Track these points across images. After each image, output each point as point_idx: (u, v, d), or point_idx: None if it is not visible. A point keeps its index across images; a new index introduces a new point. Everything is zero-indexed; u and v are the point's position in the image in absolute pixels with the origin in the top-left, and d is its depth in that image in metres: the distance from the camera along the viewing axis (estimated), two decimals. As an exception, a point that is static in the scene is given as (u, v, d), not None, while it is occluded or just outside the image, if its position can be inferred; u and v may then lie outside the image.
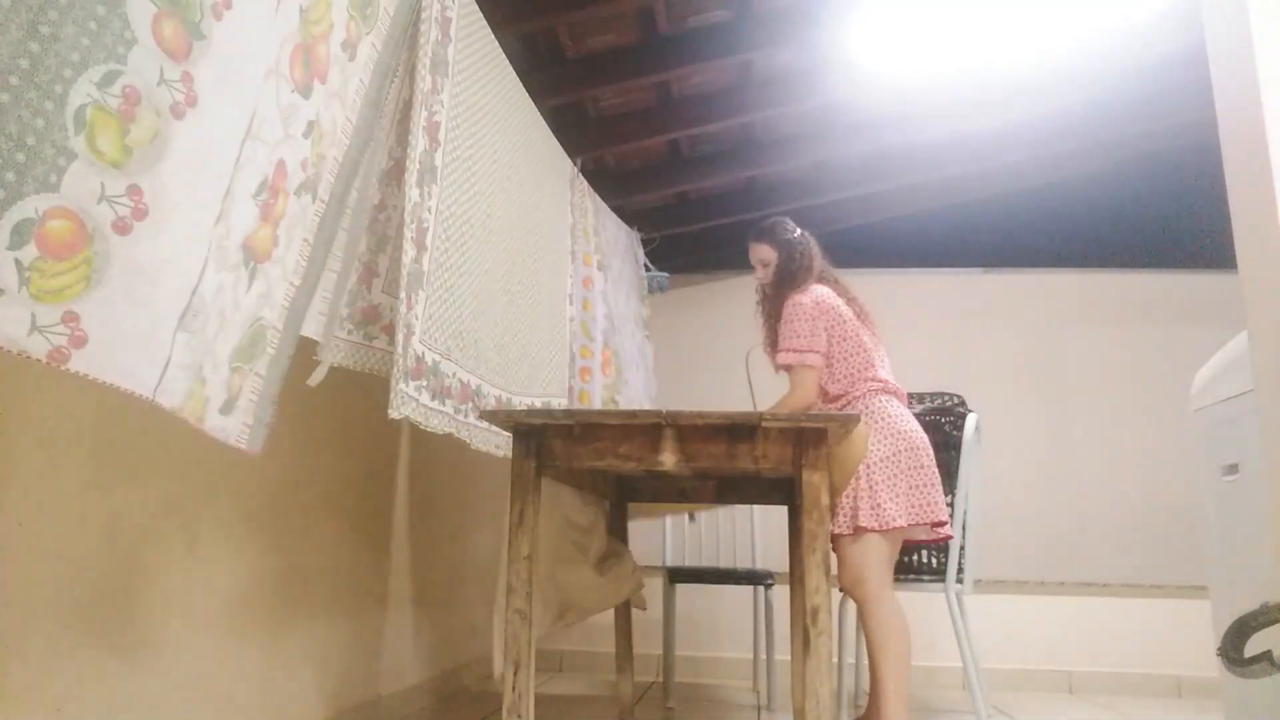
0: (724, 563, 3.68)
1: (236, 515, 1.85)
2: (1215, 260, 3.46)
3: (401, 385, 1.66)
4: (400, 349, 1.65)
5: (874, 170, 3.87)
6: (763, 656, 3.31)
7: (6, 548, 1.28)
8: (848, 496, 2.27)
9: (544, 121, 2.53)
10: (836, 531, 2.26)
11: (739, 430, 1.62)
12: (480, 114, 2.02)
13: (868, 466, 2.28)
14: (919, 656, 2.32)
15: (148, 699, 1.57)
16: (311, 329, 1.53)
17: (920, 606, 3.68)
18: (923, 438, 2.35)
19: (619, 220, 3.46)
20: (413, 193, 1.68)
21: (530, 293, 2.42)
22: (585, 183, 3.00)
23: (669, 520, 3.59)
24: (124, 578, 1.52)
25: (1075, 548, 3.78)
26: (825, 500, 1.58)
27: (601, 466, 1.68)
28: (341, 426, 2.27)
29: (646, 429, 1.65)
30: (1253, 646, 1.53)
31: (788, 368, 2.43)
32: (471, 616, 3.31)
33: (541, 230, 2.51)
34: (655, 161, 3.64)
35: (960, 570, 2.76)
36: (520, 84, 2.30)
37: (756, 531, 3.56)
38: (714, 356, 3.99)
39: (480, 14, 2.01)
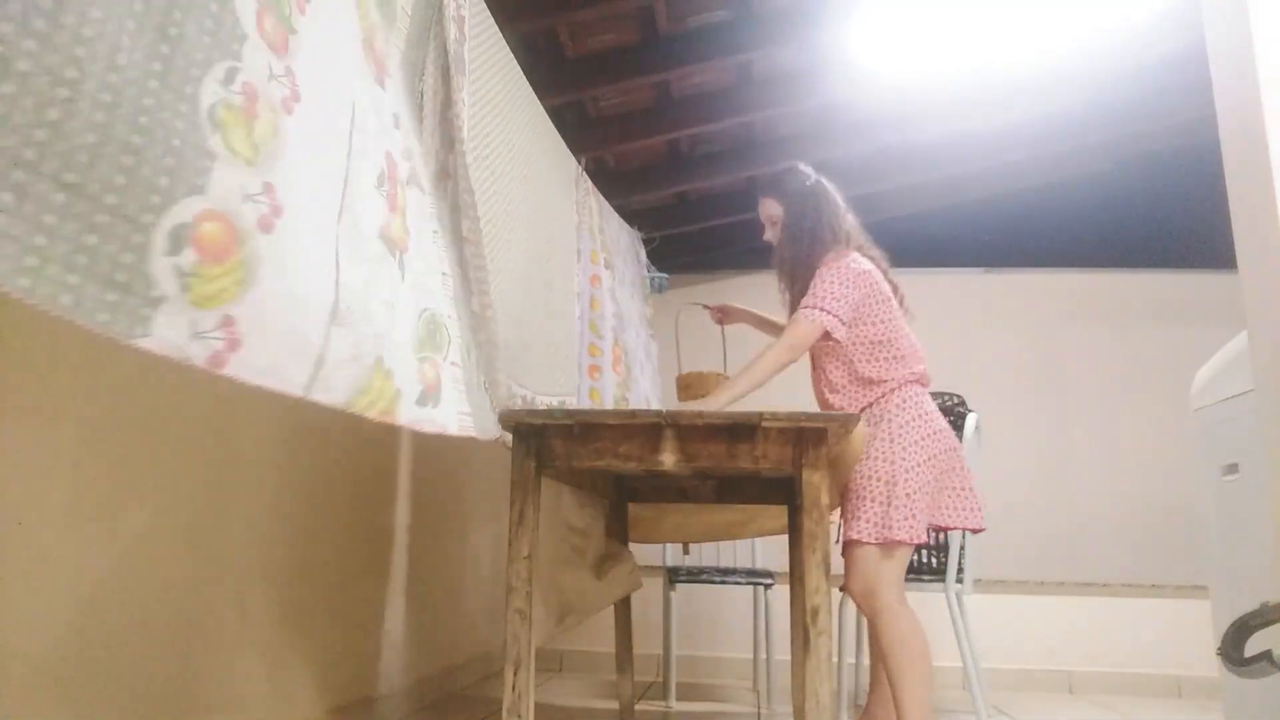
0: (724, 563, 3.68)
1: (237, 514, 1.85)
2: (1215, 260, 3.46)
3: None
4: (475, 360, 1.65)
5: (874, 170, 3.87)
6: (763, 656, 3.32)
7: (7, 547, 1.28)
8: (875, 501, 2.02)
9: (549, 121, 2.53)
10: (858, 538, 2.01)
11: (739, 430, 1.62)
12: (495, 113, 2.02)
13: (906, 470, 2.03)
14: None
15: (148, 699, 1.57)
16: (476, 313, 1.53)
17: (920, 606, 3.67)
18: (955, 438, 2.14)
19: (621, 220, 3.47)
20: (449, 190, 1.68)
21: (545, 291, 2.42)
22: (589, 181, 3.00)
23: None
24: (124, 577, 1.52)
25: (1075, 548, 3.78)
26: (825, 500, 1.58)
27: (601, 466, 1.68)
28: (342, 425, 2.27)
29: (646, 429, 1.65)
30: (1253, 646, 1.53)
31: (806, 318, 2.09)
32: (471, 615, 3.31)
33: (552, 228, 2.51)
34: (655, 161, 3.64)
35: (960, 570, 2.76)
36: (526, 83, 2.30)
37: (756, 531, 3.55)
38: (714, 356, 3.99)
39: (488, 12, 2.01)
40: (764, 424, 1.59)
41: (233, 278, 0.94)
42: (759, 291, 4.18)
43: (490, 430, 1.41)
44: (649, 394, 3.43)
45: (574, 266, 2.71)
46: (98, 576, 1.46)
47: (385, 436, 2.56)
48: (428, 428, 1.26)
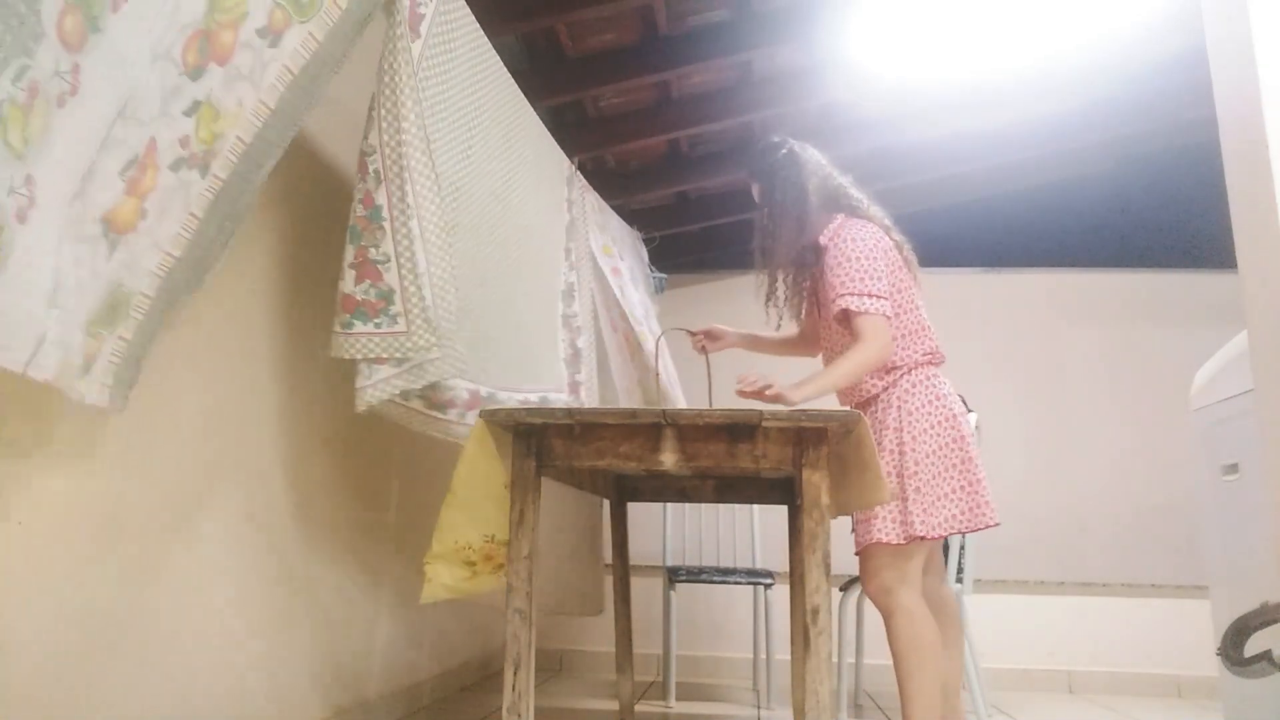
0: (724, 563, 3.68)
1: (237, 514, 1.85)
2: (1215, 260, 3.46)
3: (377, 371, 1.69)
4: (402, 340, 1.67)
5: (874, 170, 3.86)
6: (763, 656, 3.32)
7: (7, 548, 1.28)
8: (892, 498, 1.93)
9: (539, 119, 2.53)
10: (883, 540, 1.92)
11: (739, 430, 1.62)
12: (453, 111, 2.01)
13: (916, 462, 1.93)
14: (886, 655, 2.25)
15: (148, 698, 1.57)
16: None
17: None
18: (969, 423, 2.01)
19: (620, 220, 3.47)
20: (382, 192, 1.70)
21: (512, 285, 2.39)
22: (583, 180, 3.00)
23: (669, 520, 3.60)
24: (124, 577, 1.52)
25: (1075, 548, 3.78)
26: (825, 500, 1.57)
27: (602, 466, 1.68)
28: (341, 424, 2.27)
29: (647, 428, 1.64)
30: (1253, 646, 1.54)
31: (848, 315, 1.96)
32: (471, 615, 3.31)
33: (532, 227, 2.49)
34: (655, 161, 3.64)
35: (960, 570, 2.76)
36: (512, 82, 2.29)
37: (756, 531, 3.56)
38: (714, 356, 3.99)
39: (466, 10, 2.00)
40: (764, 424, 1.59)
41: None
42: (757, 291, 4.19)
43: (119, 406, 1.41)
44: (674, 383, 3.39)
45: (560, 265, 2.70)
46: (98, 577, 1.46)
47: (385, 433, 2.56)
48: (73, 396, 1.29)
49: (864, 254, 1.98)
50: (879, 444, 1.97)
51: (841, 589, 3.00)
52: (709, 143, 3.58)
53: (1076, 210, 4.31)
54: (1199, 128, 3.25)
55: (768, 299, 2.22)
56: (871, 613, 3.32)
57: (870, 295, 1.95)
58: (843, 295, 1.96)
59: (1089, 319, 4.01)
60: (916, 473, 1.94)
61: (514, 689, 1.58)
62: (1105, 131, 3.75)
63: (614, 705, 2.99)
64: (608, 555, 2.76)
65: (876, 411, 2.05)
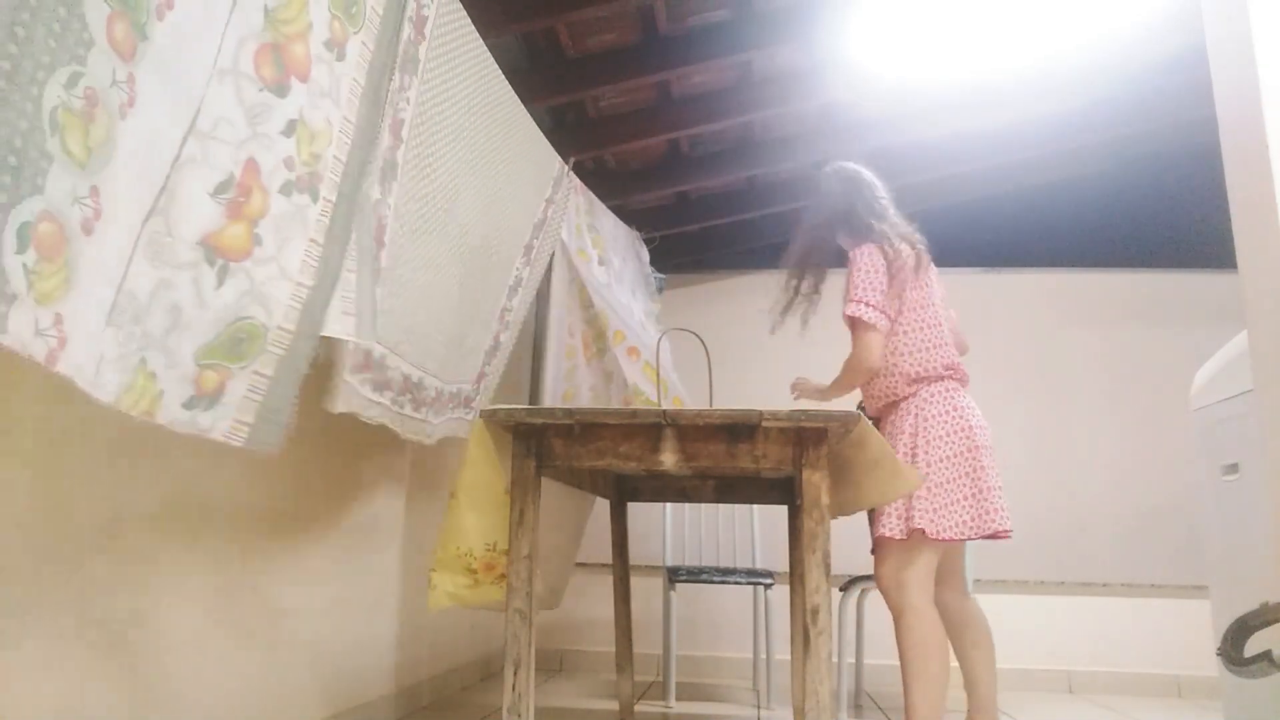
0: (724, 563, 3.68)
1: (236, 514, 1.85)
2: (1215, 260, 3.46)
3: (348, 377, 1.68)
4: (352, 344, 1.67)
5: (874, 170, 3.87)
6: (763, 656, 3.32)
7: (6, 548, 1.28)
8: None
9: (530, 119, 2.52)
10: (887, 534, 2.01)
11: (739, 430, 1.62)
12: (448, 111, 2.02)
13: (927, 464, 2.02)
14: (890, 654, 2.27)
15: (148, 698, 1.57)
16: (339, 329, 1.53)
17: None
18: (988, 436, 2.11)
19: (617, 219, 3.47)
20: (374, 190, 1.69)
21: (480, 285, 2.40)
22: (576, 181, 2.99)
23: (669, 520, 3.59)
24: (124, 577, 1.52)
25: (1075, 548, 3.78)
26: (825, 500, 1.57)
27: (602, 466, 1.68)
28: (340, 425, 2.27)
29: (647, 428, 1.65)
30: (1253, 646, 1.53)
31: (850, 322, 2.12)
32: (471, 615, 3.31)
33: (502, 224, 2.48)
34: (655, 161, 3.64)
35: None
36: (505, 83, 2.29)
37: (756, 531, 3.56)
38: (714, 356, 3.99)
39: (463, 11, 2.00)
40: (764, 424, 1.59)
41: (60, 277, 0.97)
42: (757, 291, 4.19)
43: (268, 444, 1.41)
44: (650, 391, 3.42)
45: (515, 261, 2.68)
46: (97, 576, 1.46)
47: (385, 435, 2.56)
48: (187, 429, 1.28)
49: (867, 267, 2.13)
50: (894, 446, 2.09)
51: (842, 589, 3.00)
52: (709, 143, 3.58)
53: (1076, 210, 4.31)
54: (1199, 128, 3.25)
55: (789, 304, 2.38)
56: (871, 612, 3.32)
57: (860, 301, 2.10)
58: (848, 302, 2.12)
59: (1089, 319, 4.01)
60: (926, 474, 2.01)
61: (514, 689, 1.58)
62: (1105, 131, 3.74)
63: (614, 705, 2.99)
64: (608, 555, 2.76)
65: (896, 418, 2.15)
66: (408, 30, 1.76)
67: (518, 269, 2.68)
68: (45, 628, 1.35)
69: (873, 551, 2.12)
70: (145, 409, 1.20)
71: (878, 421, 2.26)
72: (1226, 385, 2.30)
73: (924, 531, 1.97)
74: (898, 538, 2.00)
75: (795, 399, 2.40)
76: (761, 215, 4.12)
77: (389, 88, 1.71)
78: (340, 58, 1.50)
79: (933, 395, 2.10)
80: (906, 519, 2.00)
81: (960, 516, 2.00)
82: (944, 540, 2.00)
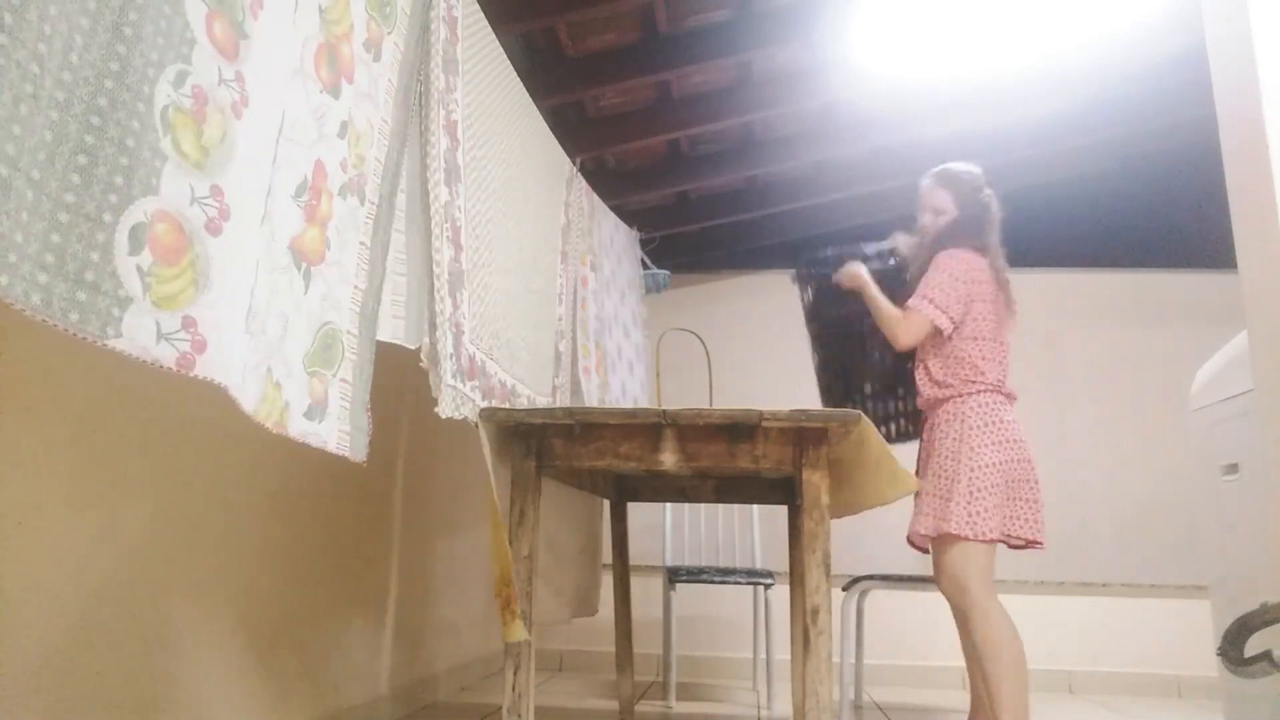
0: (724, 563, 3.68)
1: (235, 516, 1.85)
2: (1215, 260, 3.46)
3: (458, 384, 1.66)
4: (451, 349, 1.66)
5: (874, 170, 3.87)
6: (762, 656, 3.32)
7: (6, 547, 1.28)
8: (936, 496, 2.12)
9: (543, 121, 2.53)
10: (923, 532, 2.13)
11: (739, 429, 1.62)
12: (488, 113, 2.03)
13: (971, 470, 2.10)
14: (921, 656, 2.30)
15: (147, 699, 1.57)
16: (389, 334, 1.53)
17: (921, 606, 3.68)
18: (1029, 451, 2.21)
19: (618, 220, 3.46)
20: (441, 191, 1.68)
21: (536, 292, 2.42)
22: (584, 182, 3.00)
23: (669, 520, 3.59)
24: (123, 577, 1.52)
25: (1075, 548, 3.78)
26: (825, 500, 1.57)
27: (602, 466, 1.68)
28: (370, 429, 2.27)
29: (647, 428, 1.64)
30: (1253, 646, 1.53)
31: (914, 311, 2.24)
32: (472, 614, 3.31)
33: (541, 229, 2.51)
34: (655, 161, 3.64)
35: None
36: (520, 83, 2.30)
37: (756, 531, 3.56)
38: (714, 356, 3.99)
39: (481, 12, 2.01)
40: (764, 424, 1.59)
41: (186, 278, 0.95)
42: (757, 291, 4.19)
43: (361, 452, 1.41)
44: (639, 395, 3.44)
45: (557, 268, 2.70)
46: (95, 577, 1.46)
47: (383, 437, 2.56)
48: (313, 442, 1.27)
49: (953, 277, 2.25)
50: (939, 449, 2.20)
51: (843, 589, 3.00)
52: (709, 143, 3.57)
53: (1076, 210, 4.30)
54: (1199, 128, 3.24)
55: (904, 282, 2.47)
56: (872, 612, 3.32)
57: (931, 300, 2.22)
58: (915, 296, 2.25)
59: (1089, 319, 4.01)
60: (970, 477, 2.10)
61: (514, 689, 1.58)
62: (1105, 131, 3.74)
63: (614, 705, 2.99)
64: (608, 555, 2.76)
65: (941, 417, 2.25)
66: (443, 31, 1.76)
67: (559, 276, 2.70)
68: (44, 625, 1.35)
69: (931, 550, 2.19)
70: (277, 420, 1.19)
71: (923, 418, 2.36)
72: (1226, 385, 2.30)
73: (958, 535, 2.07)
74: (930, 535, 2.12)
75: (838, 279, 2.47)
76: (762, 215, 4.12)
77: (438, 88, 1.71)
78: (377, 59, 1.50)
79: (980, 405, 2.18)
80: (941, 519, 2.09)
81: (996, 519, 2.10)
82: (988, 540, 2.07)
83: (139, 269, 0.89)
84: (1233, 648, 1.55)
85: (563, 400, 2.64)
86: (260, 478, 1.94)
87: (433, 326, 1.64)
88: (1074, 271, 4.06)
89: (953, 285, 2.23)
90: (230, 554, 1.83)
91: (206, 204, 0.99)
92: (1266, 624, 1.52)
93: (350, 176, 1.40)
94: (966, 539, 2.07)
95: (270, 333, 1.17)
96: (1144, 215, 4.24)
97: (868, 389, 2.74)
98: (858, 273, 2.43)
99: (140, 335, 0.88)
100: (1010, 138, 3.72)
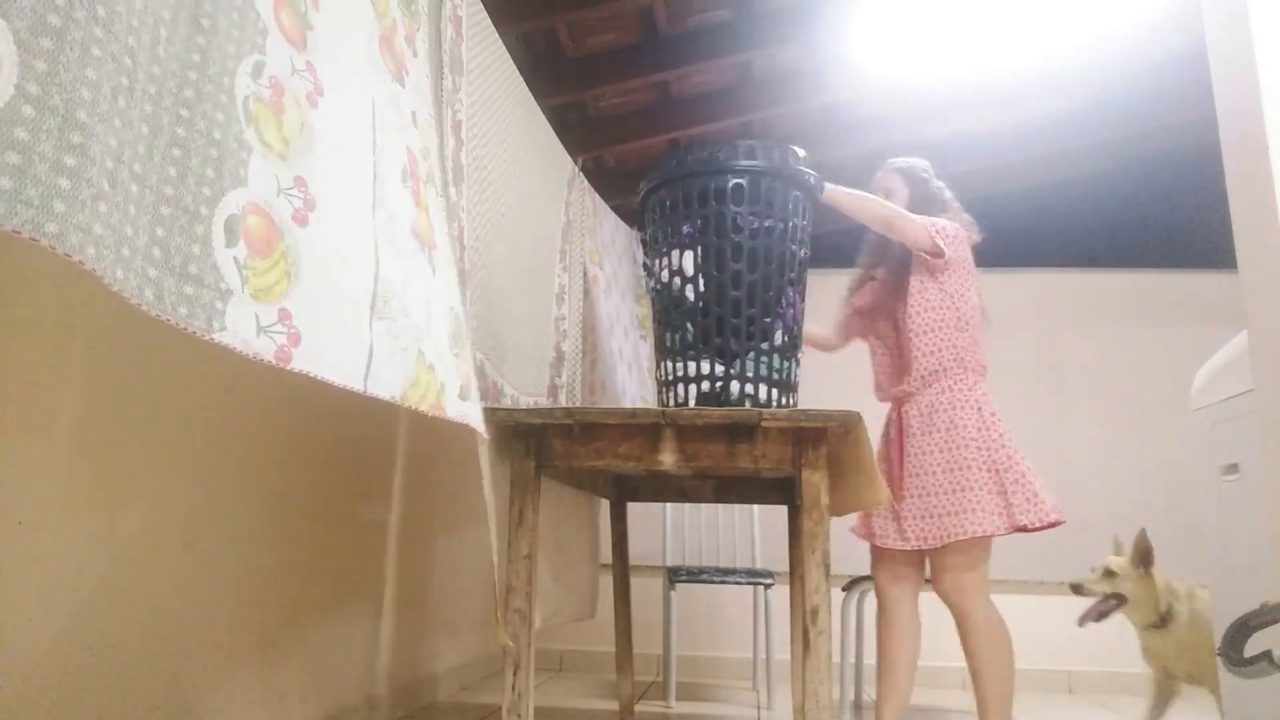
0: (724, 563, 3.68)
1: (234, 516, 1.85)
2: (1215, 260, 3.46)
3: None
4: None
5: (874, 170, 3.87)
6: (762, 656, 3.31)
7: (6, 547, 1.28)
8: (986, 490, 2.01)
9: (545, 120, 2.53)
10: (985, 532, 1.99)
11: (739, 429, 1.62)
12: (490, 112, 2.03)
13: (1008, 455, 2.04)
14: (921, 656, 2.30)
15: (146, 699, 1.57)
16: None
17: (921, 606, 3.68)
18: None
19: (618, 220, 3.47)
20: (450, 191, 1.68)
21: (534, 291, 2.42)
22: (585, 182, 3.00)
23: (669, 520, 3.59)
24: (122, 579, 1.52)
25: (1075, 548, 3.78)
26: (825, 500, 1.57)
27: (601, 466, 1.68)
28: (339, 427, 2.27)
29: (646, 428, 1.64)
30: (1253, 646, 1.53)
31: (925, 231, 2.11)
32: (472, 614, 3.30)
33: (540, 228, 2.51)
34: (655, 161, 3.64)
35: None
36: (523, 82, 2.30)
37: (756, 531, 3.56)
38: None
39: (484, 12, 2.01)
40: (764, 423, 1.59)
41: (279, 270, 0.94)
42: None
43: (484, 431, 1.41)
44: (635, 396, 3.44)
45: (556, 267, 2.70)
46: (95, 577, 1.46)
47: (382, 438, 2.56)
48: (471, 421, 1.26)
49: (959, 236, 2.19)
50: (956, 439, 2.08)
51: (843, 589, 2.99)
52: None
53: (1076, 210, 4.30)
54: (1199, 128, 3.25)
55: (859, 285, 2.42)
56: (871, 613, 3.32)
57: (935, 228, 2.11)
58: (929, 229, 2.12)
59: (1089, 319, 4.01)
60: (1014, 464, 2.04)
61: (514, 689, 1.58)
62: (1105, 131, 3.74)
63: (614, 705, 2.99)
64: (607, 555, 2.75)
65: (943, 408, 2.12)
66: (449, 30, 1.76)
67: (559, 276, 2.70)
68: (44, 625, 1.35)
69: (928, 551, 2.11)
70: (433, 402, 1.18)
71: (899, 404, 2.23)
72: (1226, 385, 2.30)
73: (1030, 525, 2.02)
74: (999, 534, 2.02)
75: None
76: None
77: (446, 88, 1.71)
78: (415, 54, 1.50)
79: (987, 392, 2.15)
80: (1007, 515, 2.00)
81: (1045, 503, 2.07)
82: (1049, 523, 2.04)
83: (236, 261, 0.88)
84: (1233, 648, 1.55)
85: (569, 400, 2.64)
86: (260, 477, 1.93)
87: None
88: (1074, 271, 4.06)
89: (955, 231, 2.16)
90: (229, 554, 1.83)
91: (292, 195, 0.98)
92: (1266, 624, 1.52)
93: (428, 165, 1.41)
94: (1021, 529, 2.03)
95: (415, 315, 1.16)
96: (1144, 215, 4.24)
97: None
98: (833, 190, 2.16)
99: (243, 329, 0.88)
100: (1010, 138, 3.73)
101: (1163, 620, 2.46)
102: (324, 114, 1.07)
